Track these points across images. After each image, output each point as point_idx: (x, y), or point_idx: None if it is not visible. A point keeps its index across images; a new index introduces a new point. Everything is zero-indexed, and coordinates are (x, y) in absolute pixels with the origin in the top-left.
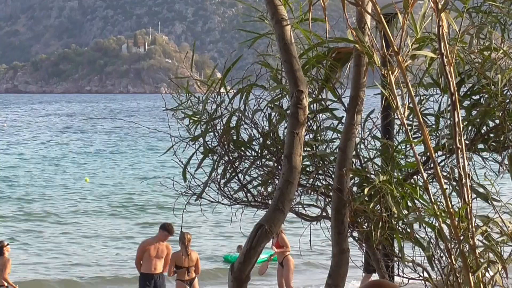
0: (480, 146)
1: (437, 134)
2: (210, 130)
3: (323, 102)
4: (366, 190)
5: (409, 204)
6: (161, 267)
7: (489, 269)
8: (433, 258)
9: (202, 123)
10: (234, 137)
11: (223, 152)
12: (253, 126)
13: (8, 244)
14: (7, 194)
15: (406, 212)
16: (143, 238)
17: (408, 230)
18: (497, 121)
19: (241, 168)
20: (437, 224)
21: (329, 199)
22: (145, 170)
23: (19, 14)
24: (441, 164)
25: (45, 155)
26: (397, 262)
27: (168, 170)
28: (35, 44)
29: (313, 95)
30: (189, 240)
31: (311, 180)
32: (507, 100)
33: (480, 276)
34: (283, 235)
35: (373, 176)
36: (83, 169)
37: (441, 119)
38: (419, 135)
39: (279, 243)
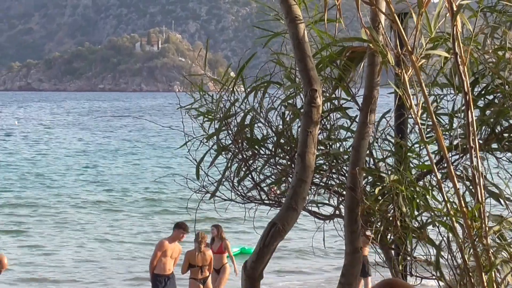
0: (494, 145)
1: (451, 134)
2: (224, 128)
3: (336, 101)
4: (377, 190)
5: (421, 203)
6: (172, 267)
7: (502, 269)
8: (446, 258)
9: (216, 121)
10: (248, 136)
11: (236, 151)
12: (267, 125)
13: None
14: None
15: (418, 211)
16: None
17: (421, 229)
18: (511, 121)
19: (255, 167)
20: (450, 224)
21: (342, 198)
22: (161, 168)
23: (32, 12)
24: (454, 164)
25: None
26: (410, 261)
27: (183, 168)
28: (48, 42)
29: (327, 94)
30: (203, 238)
31: (324, 179)
32: None
33: (493, 275)
34: (227, 242)
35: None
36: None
37: (454, 118)
38: (432, 134)
39: (221, 248)
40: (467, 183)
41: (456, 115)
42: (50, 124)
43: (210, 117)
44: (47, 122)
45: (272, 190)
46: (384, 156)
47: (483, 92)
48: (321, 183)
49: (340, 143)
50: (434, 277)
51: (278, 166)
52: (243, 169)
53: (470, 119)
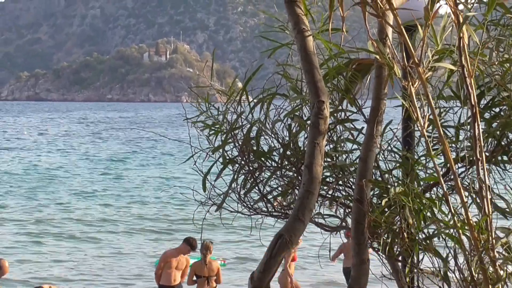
0: (500, 158)
1: (457, 146)
2: (230, 140)
3: (343, 113)
4: (384, 202)
5: (428, 215)
6: (179, 278)
7: (509, 281)
8: (453, 270)
9: (222, 133)
10: (254, 148)
11: (243, 162)
12: (273, 137)
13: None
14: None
15: (424, 223)
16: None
17: (428, 241)
18: None
19: (261, 178)
20: (457, 236)
21: (349, 210)
22: (166, 180)
23: (41, 22)
24: (461, 176)
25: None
26: (417, 274)
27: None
28: (57, 52)
29: (333, 106)
30: (208, 248)
31: (331, 190)
32: None
33: None
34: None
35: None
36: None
37: (461, 131)
38: (439, 146)
39: None
40: (474, 195)
41: (462, 127)
42: (65, 133)
43: (216, 129)
44: (58, 131)
45: (277, 201)
46: (391, 168)
47: (489, 104)
48: (327, 195)
49: (346, 155)
50: None
51: (284, 178)
52: (250, 181)
53: (476, 132)
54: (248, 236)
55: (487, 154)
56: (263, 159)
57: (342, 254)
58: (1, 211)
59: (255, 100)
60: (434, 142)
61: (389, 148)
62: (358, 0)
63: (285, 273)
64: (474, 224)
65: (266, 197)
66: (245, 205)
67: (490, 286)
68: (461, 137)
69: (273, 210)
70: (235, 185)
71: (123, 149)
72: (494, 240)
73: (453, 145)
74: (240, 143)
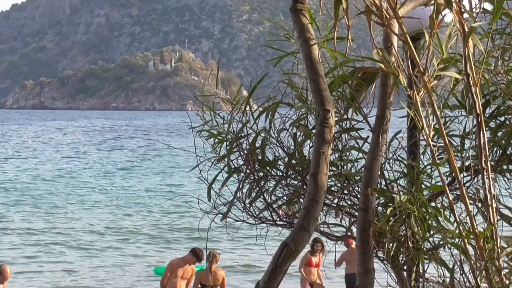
0: (506, 167)
1: (462, 155)
2: (235, 149)
3: (348, 122)
4: (389, 211)
5: (433, 224)
6: (185, 287)
7: None
8: (458, 279)
9: (227, 142)
10: (260, 157)
11: (248, 171)
12: (278, 145)
13: None
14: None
15: (429, 232)
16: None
17: (433, 250)
18: None
19: (267, 187)
20: (462, 245)
21: (354, 219)
22: (172, 188)
23: (46, 30)
24: (466, 185)
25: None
26: (422, 283)
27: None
28: (62, 60)
29: (339, 115)
30: (214, 257)
31: (336, 199)
32: None
33: None
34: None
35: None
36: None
37: (466, 140)
38: (444, 155)
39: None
40: (479, 204)
41: (467, 136)
42: (77, 142)
43: (221, 138)
44: (68, 140)
45: (282, 210)
46: (396, 177)
47: (494, 113)
48: (333, 204)
49: (351, 164)
50: None
51: (289, 187)
52: (255, 190)
53: (482, 141)
54: (253, 244)
55: (492, 163)
56: (268, 168)
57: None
58: (6, 220)
59: (260, 109)
60: (440, 151)
61: (395, 157)
62: (363, 9)
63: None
64: (480, 233)
65: (271, 206)
66: (250, 214)
67: None
68: (466, 146)
69: (278, 219)
70: (240, 194)
71: (129, 158)
72: (499, 249)
73: (459, 154)
74: (245, 152)
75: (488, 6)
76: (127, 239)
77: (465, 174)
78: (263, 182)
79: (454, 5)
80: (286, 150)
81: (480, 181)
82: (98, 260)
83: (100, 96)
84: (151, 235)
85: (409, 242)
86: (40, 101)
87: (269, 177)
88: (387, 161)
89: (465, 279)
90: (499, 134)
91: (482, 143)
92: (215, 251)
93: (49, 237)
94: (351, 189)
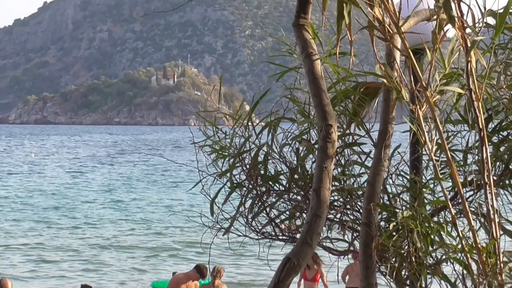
0: (508, 181)
1: (465, 170)
2: (237, 164)
3: (351, 136)
4: (391, 226)
5: (436, 239)
6: None
7: None
8: None
9: (229, 157)
10: (262, 171)
11: (250, 186)
12: (281, 160)
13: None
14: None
15: (432, 247)
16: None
17: (436, 265)
18: None
19: (269, 202)
20: (465, 260)
21: (357, 234)
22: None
23: (49, 45)
24: (469, 200)
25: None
26: None
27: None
28: (64, 75)
29: (341, 130)
30: (218, 272)
31: (339, 214)
32: None
33: None
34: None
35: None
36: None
37: (469, 154)
38: (446, 170)
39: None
40: (482, 219)
41: (470, 151)
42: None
43: (223, 153)
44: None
45: (284, 225)
46: (399, 191)
47: (497, 128)
48: (335, 219)
49: (354, 178)
50: None
51: (292, 202)
52: (257, 205)
53: (484, 155)
54: (255, 259)
55: (495, 178)
56: (270, 183)
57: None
58: (9, 236)
59: (262, 124)
60: (442, 166)
61: (397, 171)
62: (365, 24)
63: None
64: (482, 248)
65: (274, 221)
66: (253, 229)
67: None
68: (469, 161)
69: (281, 234)
70: (243, 209)
71: (132, 172)
72: (502, 264)
73: (461, 169)
74: (247, 167)
75: (490, 20)
76: (128, 253)
77: (467, 188)
78: (265, 197)
79: (457, 20)
80: (288, 165)
81: (483, 195)
82: (99, 274)
83: (103, 111)
84: (152, 249)
85: (412, 257)
86: (43, 116)
87: (272, 192)
88: (390, 175)
89: None
90: (502, 148)
91: (484, 158)
92: (220, 266)
93: (51, 253)
94: (353, 204)
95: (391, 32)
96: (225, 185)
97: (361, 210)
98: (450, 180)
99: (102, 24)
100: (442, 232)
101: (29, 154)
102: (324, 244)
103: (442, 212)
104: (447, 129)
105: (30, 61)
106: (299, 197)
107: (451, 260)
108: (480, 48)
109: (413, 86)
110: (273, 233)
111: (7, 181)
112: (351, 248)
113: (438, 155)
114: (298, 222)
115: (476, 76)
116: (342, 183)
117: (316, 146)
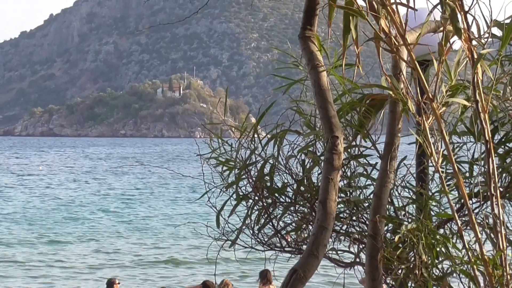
0: None
1: (471, 181)
2: (244, 176)
3: (357, 148)
4: (397, 238)
5: (443, 251)
6: None
7: None
8: None
9: (236, 169)
10: (268, 183)
11: (257, 198)
12: (287, 172)
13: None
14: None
15: (438, 259)
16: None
17: (442, 277)
18: None
19: (275, 214)
20: (471, 272)
21: (363, 245)
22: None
23: (55, 58)
24: (475, 212)
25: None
26: None
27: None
28: (70, 87)
29: (347, 141)
30: (226, 285)
31: (345, 226)
32: None
33: None
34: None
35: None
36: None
37: (475, 166)
38: (453, 182)
39: None
40: (488, 230)
41: (476, 162)
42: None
43: (230, 165)
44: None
45: (290, 237)
46: (405, 203)
47: (503, 139)
48: (341, 231)
49: (360, 190)
50: None
51: (298, 214)
52: (264, 217)
53: (490, 167)
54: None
55: (501, 189)
56: (277, 194)
57: None
58: (15, 249)
59: (268, 136)
60: (448, 177)
61: (403, 183)
62: (371, 35)
63: None
64: (489, 259)
65: (280, 232)
66: (259, 240)
67: None
68: (475, 173)
69: (287, 245)
70: (249, 221)
71: (138, 184)
72: (508, 276)
73: (467, 180)
74: (253, 179)
75: (497, 31)
76: (135, 265)
77: (474, 200)
78: (271, 209)
79: (463, 32)
80: (294, 176)
81: (489, 207)
82: (102, 284)
83: (109, 123)
84: (159, 260)
85: (418, 269)
86: (48, 128)
87: (278, 203)
88: (396, 187)
89: None
90: (508, 160)
91: (491, 170)
92: (227, 279)
93: (58, 264)
94: (359, 215)
95: (398, 44)
96: (231, 197)
97: (367, 222)
98: (456, 192)
99: (108, 36)
100: (448, 244)
101: (37, 166)
102: (330, 255)
103: (448, 224)
104: (453, 141)
105: (36, 74)
106: (305, 209)
107: (458, 272)
108: (486, 59)
109: (419, 97)
110: (279, 245)
111: (15, 193)
112: (357, 260)
113: (444, 166)
114: (305, 233)
115: (482, 88)
116: (348, 194)
117: (322, 158)
